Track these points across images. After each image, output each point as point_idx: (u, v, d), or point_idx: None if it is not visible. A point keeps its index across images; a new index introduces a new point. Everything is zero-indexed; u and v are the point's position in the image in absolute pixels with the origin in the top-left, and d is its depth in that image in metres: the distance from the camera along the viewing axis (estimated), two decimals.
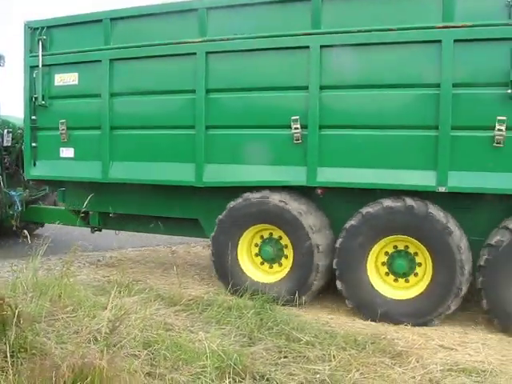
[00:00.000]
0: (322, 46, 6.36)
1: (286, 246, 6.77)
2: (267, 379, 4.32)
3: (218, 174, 7.01)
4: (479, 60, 5.88)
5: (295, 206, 6.53)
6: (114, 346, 4.30)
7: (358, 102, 6.39)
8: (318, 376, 4.44)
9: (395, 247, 6.31)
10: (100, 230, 8.87)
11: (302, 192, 6.76)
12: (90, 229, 8.78)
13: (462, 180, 5.94)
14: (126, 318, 4.78)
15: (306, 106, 6.49)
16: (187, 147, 7.14)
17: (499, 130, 5.69)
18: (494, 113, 5.73)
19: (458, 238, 5.92)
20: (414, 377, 4.56)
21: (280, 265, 6.86)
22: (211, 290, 7.09)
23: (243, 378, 4.24)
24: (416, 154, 6.15)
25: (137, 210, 7.82)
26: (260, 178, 6.78)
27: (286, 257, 6.79)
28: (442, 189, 5.96)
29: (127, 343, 4.44)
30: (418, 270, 6.22)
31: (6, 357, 3.90)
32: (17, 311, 4.15)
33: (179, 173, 7.20)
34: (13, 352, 4.00)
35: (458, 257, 5.85)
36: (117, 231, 8.92)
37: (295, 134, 6.51)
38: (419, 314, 6.04)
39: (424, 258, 6.14)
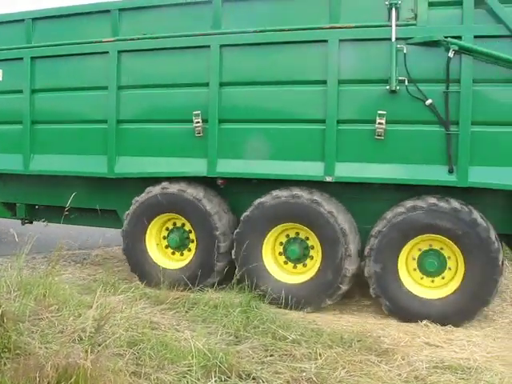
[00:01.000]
0: (221, 46, 6.80)
1: (190, 232, 7.22)
2: (253, 378, 4.31)
3: (129, 165, 7.39)
4: (362, 58, 6.36)
5: (200, 194, 6.99)
6: (99, 345, 4.26)
7: (254, 97, 6.83)
8: (304, 374, 4.43)
9: (287, 236, 6.78)
10: (31, 222, 8.95)
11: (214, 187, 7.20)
12: (73, 227, 8.70)
13: (347, 170, 6.39)
14: (111, 316, 4.74)
15: (206, 102, 6.90)
16: (100, 140, 7.53)
17: (380, 123, 6.17)
18: (376, 107, 6.22)
19: (343, 221, 6.35)
20: (400, 374, 4.58)
21: (189, 250, 7.26)
22: (197, 289, 7.05)
23: (229, 377, 4.24)
24: (306, 146, 6.59)
25: (59, 201, 7.73)
26: (165, 169, 7.17)
27: (189, 243, 7.25)
28: (329, 178, 6.42)
29: (112, 342, 4.40)
30: (312, 253, 6.67)
31: None
32: (0, 311, 4.11)
33: (93, 165, 7.57)
34: None
35: (342, 239, 6.28)
36: (45, 223, 8.67)
37: (197, 128, 6.93)
38: (314, 295, 6.43)
39: (315, 243, 6.58)
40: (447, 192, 6.20)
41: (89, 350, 3.86)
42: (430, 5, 6.13)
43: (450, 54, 5.93)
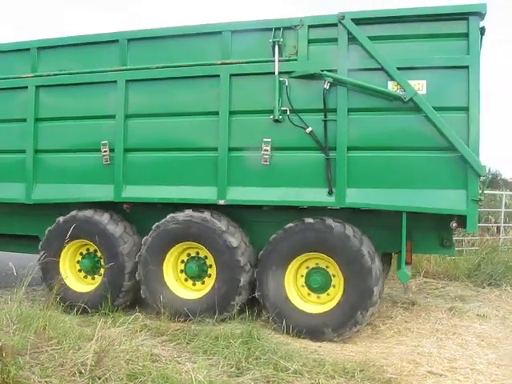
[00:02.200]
0: (127, 81, 7.42)
1: (100, 258, 7.62)
2: None
3: (45, 192, 7.88)
4: (250, 91, 6.99)
5: (105, 219, 7.50)
6: (99, 378, 4.23)
7: (156, 128, 7.42)
8: None
9: (188, 254, 7.33)
10: None
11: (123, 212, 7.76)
12: None
13: (238, 194, 6.98)
14: (111, 349, 4.71)
15: (113, 132, 7.48)
16: (19, 168, 8.03)
17: (266, 150, 6.79)
18: (262, 135, 6.83)
19: (236, 240, 6.94)
20: None
21: (99, 274, 7.69)
22: (198, 320, 7.01)
23: None
24: (201, 172, 7.18)
25: None
26: (77, 195, 7.68)
27: (100, 268, 7.66)
28: (221, 202, 7.01)
29: (112, 375, 4.37)
30: (210, 271, 7.21)
31: None
32: (0, 344, 4.08)
33: (13, 191, 8.04)
34: None
35: (237, 256, 6.85)
36: None
37: (104, 157, 7.50)
38: (214, 309, 6.86)
39: (212, 261, 7.11)
40: (334, 213, 6.85)
41: None
42: (310, 41, 6.76)
43: (326, 86, 6.55)
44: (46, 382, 4.28)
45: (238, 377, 4.96)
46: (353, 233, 6.52)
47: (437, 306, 8.28)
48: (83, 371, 4.38)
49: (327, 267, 6.74)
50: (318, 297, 6.78)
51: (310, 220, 6.66)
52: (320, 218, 6.67)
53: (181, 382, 4.52)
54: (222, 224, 6.99)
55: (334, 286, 6.69)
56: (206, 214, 7.05)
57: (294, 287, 6.84)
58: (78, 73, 7.70)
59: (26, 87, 7.93)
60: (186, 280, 7.34)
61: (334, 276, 6.70)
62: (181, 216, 7.13)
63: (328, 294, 6.72)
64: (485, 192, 9.30)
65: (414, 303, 8.30)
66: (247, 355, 5.37)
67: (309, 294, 6.83)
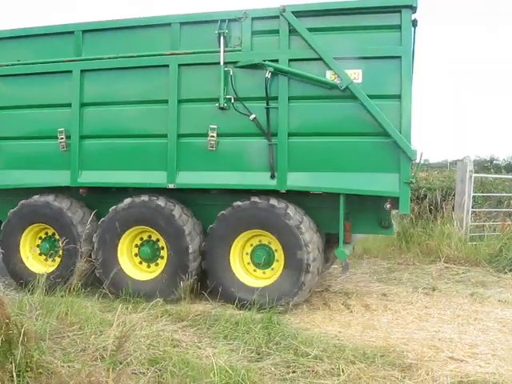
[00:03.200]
0: (82, 70, 7.70)
1: (58, 240, 7.81)
2: None
3: (5, 178, 8.17)
4: (197, 80, 7.32)
5: (64, 205, 7.75)
6: (120, 363, 4.26)
7: (109, 116, 7.74)
8: None
9: (141, 238, 7.62)
10: None
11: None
12: None
13: (187, 178, 7.33)
14: (133, 334, 4.75)
15: (69, 120, 7.76)
16: None
17: (212, 136, 7.16)
18: (208, 123, 7.18)
19: (186, 222, 7.24)
20: None
21: (54, 259, 7.90)
22: (218, 305, 7.04)
23: None
24: (152, 157, 7.50)
25: None
26: (36, 181, 7.97)
27: (58, 251, 7.85)
28: (171, 185, 7.35)
29: (133, 360, 4.40)
30: (162, 253, 7.50)
31: (13, 376, 3.88)
32: (23, 330, 4.13)
33: None
34: (19, 371, 3.97)
35: (186, 239, 7.14)
36: None
37: (61, 143, 7.79)
38: (165, 290, 7.16)
39: (163, 244, 7.41)
40: (283, 196, 7.12)
41: (110, 369, 3.85)
42: (253, 33, 7.10)
43: (267, 75, 6.91)
44: (68, 366, 4.32)
45: (259, 362, 4.97)
46: (294, 212, 6.92)
47: (458, 291, 8.23)
48: (105, 356, 4.42)
49: (269, 243, 7.15)
50: (264, 272, 7.19)
51: (256, 199, 7.03)
52: (265, 197, 7.04)
53: (201, 367, 4.53)
54: (174, 210, 7.27)
55: (277, 261, 7.10)
56: (160, 200, 7.34)
57: (239, 262, 7.23)
58: (34, 63, 7.96)
59: None
60: (140, 263, 7.66)
61: (276, 251, 7.11)
62: (134, 201, 7.44)
63: (272, 269, 7.13)
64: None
65: (434, 289, 8.26)
66: (267, 340, 5.40)
67: (255, 270, 7.24)
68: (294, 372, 4.78)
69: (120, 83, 7.64)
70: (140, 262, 7.64)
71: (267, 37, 7.11)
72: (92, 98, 7.76)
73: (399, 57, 6.67)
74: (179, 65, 7.30)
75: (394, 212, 12.60)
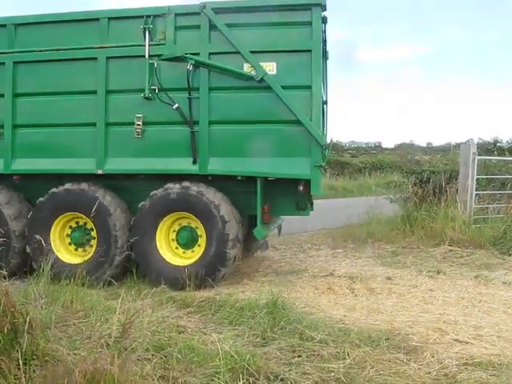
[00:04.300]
0: (14, 62, 8.01)
1: None
2: (281, 379, 4.28)
3: None
4: (124, 72, 7.77)
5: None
6: (126, 350, 4.27)
7: (42, 106, 8.08)
8: (332, 374, 4.40)
9: (77, 223, 8.03)
10: None
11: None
12: None
13: (115, 164, 7.78)
14: (137, 321, 4.76)
15: (3, 110, 8.09)
16: None
17: (138, 124, 7.61)
18: (135, 112, 7.64)
19: (114, 209, 7.64)
20: (430, 372, 4.52)
21: None
22: (223, 291, 7.06)
23: (257, 379, 4.20)
24: (82, 145, 7.93)
25: None
26: None
27: None
28: (100, 171, 7.77)
29: (139, 347, 4.41)
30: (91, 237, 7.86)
31: (19, 364, 3.88)
32: (28, 318, 4.14)
33: None
34: (25, 359, 3.98)
35: (109, 219, 7.56)
36: None
37: None
38: (95, 272, 7.40)
39: (91, 226, 7.80)
40: (210, 182, 7.61)
41: (116, 356, 3.86)
42: (176, 28, 7.59)
43: (189, 67, 7.41)
44: (74, 354, 4.32)
45: (264, 346, 4.98)
46: (213, 195, 7.45)
47: (462, 274, 8.24)
48: (110, 343, 4.42)
49: (189, 223, 7.70)
50: (192, 251, 7.71)
51: (185, 183, 7.51)
52: (186, 183, 7.53)
53: (207, 353, 4.54)
54: (98, 193, 7.66)
55: (200, 236, 7.63)
56: (84, 185, 7.74)
57: (165, 244, 7.71)
58: None
59: None
60: (69, 244, 8.07)
61: (197, 228, 7.64)
62: (60, 188, 7.82)
63: (199, 245, 7.66)
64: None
65: (439, 272, 8.28)
66: (272, 325, 5.40)
67: (177, 248, 7.78)
68: (299, 356, 4.78)
69: (51, 75, 8.00)
70: (75, 249, 8.03)
71: (189, 31, 7.61)
72: (24, 88, 8.11)
73: (310, 50, 7.25)
74: (107, 57, 7.73)
75: (396, 196, 12.69)
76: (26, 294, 5.61)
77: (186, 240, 7.70)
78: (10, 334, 4.07)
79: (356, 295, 7.11)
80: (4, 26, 8.08)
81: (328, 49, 8.51)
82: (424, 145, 62.71)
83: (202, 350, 4.61)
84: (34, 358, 4.08)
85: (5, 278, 5.27)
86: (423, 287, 7.47)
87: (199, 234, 7.64)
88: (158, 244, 7.60)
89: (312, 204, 8.35)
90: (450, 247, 10.03)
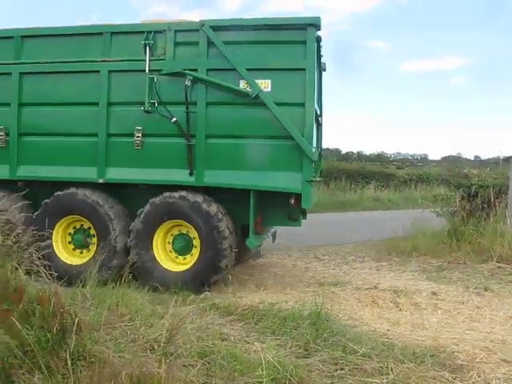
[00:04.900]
0: (20, 73, 8.34)
1: None
2: None
3: None
4: (125, 85, 8.05)
5: None
6: (171, 354, 4.32)
7: (46, 115, 8.40)
8: None
9: (75, 227, 8.37)
10: None
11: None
12: None
13: (115, 174, 8.07)
14: (182, 327, 4.80)
15: (9, 118, 8.41)
16: None
17: (138, 136, 7.90)
18: (135, 124, 7.91)
19: (110, 211, 7.97)
20: None
21: None
22: (266, 300, 7.06)
23: None
24: (84, 154, 8.22)
25: None
26: None
27: None
28: (101, 180, 8.12)
29: (184, 352, 4.45)
30: (93, 240, 8.17)
31: (67, 364, 3.97)
32: (76, 319, 4.22)
33: None
34: (73, 359, 4.06)
35: (109, 224, 7.92)
36: None
37: (0, 139, 8.47)
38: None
39: (92, 230, 8.17)
40: (206, 192, 7.86)
41: (162, 360, 3.90)
42: (176, 44, 7.87)
43: (187, 83, 7.70)
44: (119, 356, 4.38)
45: (307, 358, 4.95)
46: (216, 208, 7.71)
47: (510, 292, 8.05)
48: (155, 347, 4.48)
49: (188, 232, 7.96)
50: (184, 258, 8.01)
51: (182, 193, 7.78)
52: (183, 192, 7.81)
53: (249, 362, 4.55)
54: (100, 199, 8.01)
55: (195, 247, 7.88)
56: (88, 193, 8.07)
57: (162, 249, 8.01)
58: None
59: None
60: (74, 249, 8.39)
61: (194, 238, 7.88)
62: (63, 193, 8.13)
63: (193, 254, 7.91)
64: None
65: (486, 289, 8.10)
66: (315, 336, 5.36)
67: (171, 252, 8.08)
68: (341, 369, 4.74)
69: (56, 86, 8.32)
70: (73, 249, 8.39)
71: (188, 48, 7.91)
72: (30, 98, 8.43)
73: (304, 69, 7.51)
74: (109, 71, 8.04)
75: (443, 210, 12.49)
76: (74, 295, 5.73)
77: (181, 247, 8.00)
78: (58, 334, 4.17)
79: (400, 309, 7.03)
80: (11, 37, 8.43)
81: (324, 60, 8.95)
82: (472, 158, 61.63)
83: (245, 359, 4.61)
84: (81, 358, 4.15)
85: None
86: (470, 304, 7.33)
87: (194, 241, 7.92)
88: (154, 250, 7.94)
89: (305, 214, 8.53)
90: (498, 264, 9.80)
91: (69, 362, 3.96)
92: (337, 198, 24.01)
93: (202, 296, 6.67)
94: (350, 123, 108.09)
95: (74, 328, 4.17)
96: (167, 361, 4.06)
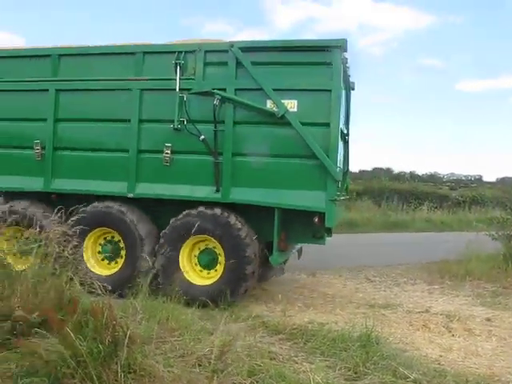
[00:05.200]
0: (57, 90, 8.71)
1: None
2: None
3: None
4: (156, 103, 8.33)
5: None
6: (221, 371, 4.31)
7: (80, 131, 8.72)
8: None
9: (105, 238, 8.63)
10: None
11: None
12: None
13: (144, 189, 8.34)
14: (233, 344, 4.79)
15: (45, 133, 8.75)
16: None
17: (167, 153, 8.16)
18: (164, 141, 8.18)
19: (141, 225, 8.26)
20: None
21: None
22: (316, 320, 7.00)
23: None
24: (115, 169, 8.48)
25: None
26: (12, 185, 8.99)
27: None
28: (130, 195, 8.36)
29: (234, 370, 4.43)
30: (122, 252, 8.44)
31: (118, 376, 4.02)
32: (128, 332, 4.27)
33: None
34: (123, 372, 4.10)
35: (138, 241, 8.16)
36: None
37: (36, 153, 8.77)
38: (122, 285, 7.61)
39: (121, 242, 8.40)
40: (232, 207, 8.00)
41: (215, 377, 3.90)
42: (205, 64, 8.10)
43: (216, 102, 7.91)
44: (168, 371, 4.41)
45: (356, 381, 4.88)
46: (235, 220, 7.87)
47: None
48: (204, 363, 4.48)
49: (214, 247, 8.08)
50: (208, 272, 8.15)
51: (202, 208, 7.98)
52: (210, 207, 8.00)
53: (298, 382, 4.51)
54: (126, 212, 8.26)
55: (219, 264, 8.03)
56: (124, 207, 8.31)
57: (188, 264, 8.14)
58: (14, 81, 9.00)
59: None
60: (102, 260, 8.63)
61: (219, 255, 8.02)
62: (99, 206, 8.39)
63: (216, 270, 8.08)
64: None
65: None
66: (365, 359, 5.26)
67: (201, 271, 8.20)
68: None
69: (89, 102, 8.64)
70: (102, 259, 8.63)
71: (217, 68, 8.13)
72: (65, 114, 8.76)
73: (329, 90, 7.65)
74: (141, 89, 8.32)
75: (498, 233, 12.20)
76: (124, 308, 5.80)
77: (207, 261, 8.15)
78: (110, 346, 4.23)
79: (453, 335, 6.87)
80: (49, 55, 8.78)
81: (353, 80, 9.16)
82: None
83: (294, 379, 4.57)
84: (131, 371, 4.20)
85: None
86: None
87: (218, 254, 8.08)
88: (180, 263, 8.07)
89: (330, 232, 8.40)
90: None
91: (120, 375, 4.01)
92: (388, 218, 23.71)
93: (251, 313, 6.66)
94: (403, 142, 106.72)
95: (126, 341, 4.22)
96: (217, 378, 4.06)
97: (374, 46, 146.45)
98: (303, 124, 7.66)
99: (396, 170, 49.74)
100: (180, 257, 8.06)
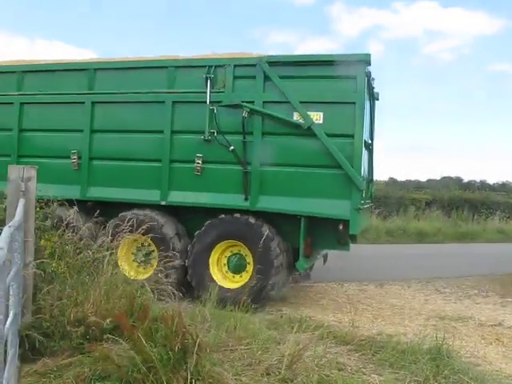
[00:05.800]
0: (92, 102, 9.18)
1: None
2: None
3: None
4: (187, 115, 8.74)
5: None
6: (291, 381, 4.31)
7: (114, 141, 9.19)
8: None
9: (142, 244, 8.80)
10: None
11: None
12: None
13: (176, 197, 8.74)
14: (302, 354, 4.78)
15: (81, 144, 9.21)
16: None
17: (198, 163, 8.56)
18: (195, 151, 8.58)
19: (170, 230, 8.65)
20: None
21: None
22: (384, 331, 6.90)
23: None
24: (148, 178, 8.91)
25: None
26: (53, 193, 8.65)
27: None
28: (163, 202, 8.78)
29: (304, 380, 4.42)
30: (153, 256, 8.70)
31: (187, 383, 4.08)
32: (198, 340, 4.33)
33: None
34: (191, 379, 4.16)
35: (168, 243, 8.51)
36: None
37: (73, 162, 9.20)
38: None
39: (154, 247, 8.70)
40: (262, 215, 8.36)
41: None
42: (235, 77, 8.49)
43: (245, 114, 8.30)
44: (235, 379, 4.44)
45: None
46: (268, 228, 8.21)
47: None
48: (272, 373, 4.49)
49: (241, 251, 8.53)
50: (241, 275, 8.54)
51: (238, 215, 8.42)
52: (243, 215, 8.40)
53: None
54: (160, 218, 8.67)
55: (248, 265, 8.42)
56: (155, 214, 8.71)
57: (217, 268, 8.57)
58: (54, 94, 9.47)
59: (12, 103, 9.68)
60: (138, 266, 8.70)
61: (248, 262, 8.43)
62: (141, 212, 8.73)
63: (245, 273, 8.49)
64: None
65: None
66: (436, 373, 5.13)
67: (227, 272, 8.64)
68: None
69: (124, 114, 9.12)
70: (138, 266, 8.68)
71: (246, 81, 8.50)
72: (100, 125, 9.21)
73: (354, 103, 7.97)
74: (173, 102, 8.73)
75: None
76: (193, 316, 5.87)
77: (236, 265, 8.58)
78: (179, 353, 4.31)
79: None
80: (86, 69, 9.28)
81: (377, 90, 9.66)
82: None
83: None
84: (200, 378, 4.26)
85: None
86: None
87: (247, 260, 8.47)
88: (211, 268, 8.50)
89: (355, 239, 8.64)
90: None
91: (189, 381, 4.07)
92: (458, 228, 23.12)
93: (319, 323, 6.62)
94: (473, 150, 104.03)
95: (195, 348, 4.28)
96: None
97: (442, 51, 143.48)
98: (328, 135, 7.99)
99: (466, 178, 48.54)
100: None
